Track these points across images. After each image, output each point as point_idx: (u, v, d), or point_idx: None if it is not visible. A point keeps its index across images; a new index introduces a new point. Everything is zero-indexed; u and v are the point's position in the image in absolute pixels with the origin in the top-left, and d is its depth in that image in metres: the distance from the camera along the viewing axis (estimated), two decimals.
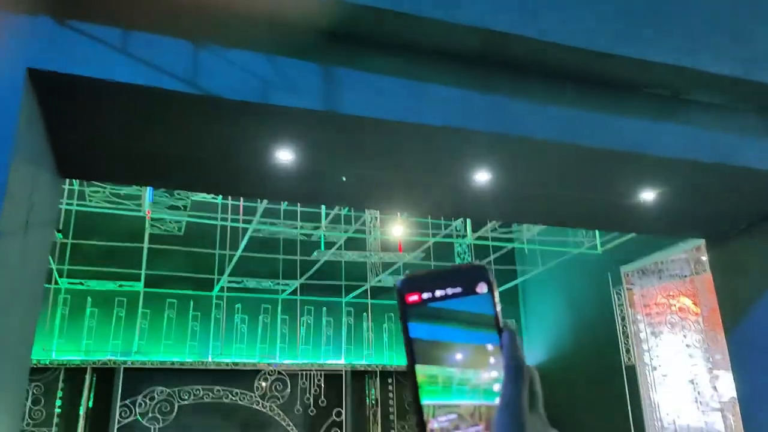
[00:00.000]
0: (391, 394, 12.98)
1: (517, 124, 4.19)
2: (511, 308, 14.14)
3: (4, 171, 2.99)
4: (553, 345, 13.01)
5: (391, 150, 4.28)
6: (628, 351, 10.93)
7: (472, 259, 12.81)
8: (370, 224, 11.22)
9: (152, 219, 8.95)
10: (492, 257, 12.35)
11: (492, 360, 0.67)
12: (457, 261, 13.52)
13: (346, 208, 11.41)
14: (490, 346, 0.67)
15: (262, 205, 8.68)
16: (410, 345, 0.67)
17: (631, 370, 10.77)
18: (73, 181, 9.22)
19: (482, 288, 0.69)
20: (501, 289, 13.15)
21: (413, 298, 0.68)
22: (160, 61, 3.48)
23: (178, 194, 8.31)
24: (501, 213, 5.46)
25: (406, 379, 0.69)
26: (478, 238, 12.34)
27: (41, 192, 3.76)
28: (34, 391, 10.86)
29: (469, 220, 9.27)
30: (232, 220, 10.86)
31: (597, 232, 10.26)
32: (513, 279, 13.40)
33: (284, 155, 4.17)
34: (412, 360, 0.67)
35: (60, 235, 9.38)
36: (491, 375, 0.66)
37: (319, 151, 4.20)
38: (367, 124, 3.88)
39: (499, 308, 0.70)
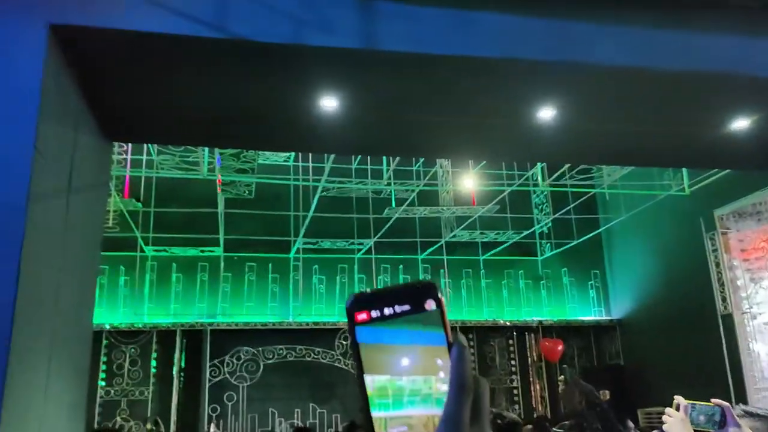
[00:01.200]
0: (472, 350, 12.73)
1: (582, 49, 3.70)
2: (594, 259, 13.45)
3: (30, 131, 2.87)
4: (641, 295, 12.28)
5: (441, 90, 3.90)
6: (724, 299, 10.11)
7: (550, 209, 12.21)
8: (442, 178, 10.84)
9: (223, 183, 8.97)
10: (571, 205, 11.70)
11: (441, 374, 0.67)
12: (535, 212, 12.94)
13: (418, 163, 11.08)
14: (439, 361, 0.67)
15: (329, 163, 8.50)
16: (359, 357, 0.67)
17: (728, 319, 9.97)
18: (146, 147, 9.37)
19: (431, 305, 0.68)
20: (583, 238, 12.52)
21: (362, 316, 0.68)
22: (187, 8, 3.25)
23: (244, 157, 8.25)
24: (570, 154, 4.97)
25: (357, 389, 0.68)
26: (555, 185, 11.70)
27: (85, 154, 3.67)
28: (131, 353, 11.38)
29: (544, 166, 8.71)
30: (301, 181, 10.79)
31: (684, 172, 9.43)
32: (595, 228, 12.68)
33: (328, 102, 3.88)
34: (361, 371, 0.67)
35: (140, 205, 9.61)
36: (438, 388, 0.67)
37: (363, 95, 3.88)
38: (410, 61, 3.52)
39: (448, 324, 0.68)
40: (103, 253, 11.58)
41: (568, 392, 11.57)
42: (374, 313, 0.68)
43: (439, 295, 0.68)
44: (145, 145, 10.07)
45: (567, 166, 10.61)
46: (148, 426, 11.14)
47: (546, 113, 4.20)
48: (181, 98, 3.84)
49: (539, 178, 8.54)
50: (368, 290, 0.70)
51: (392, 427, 0.66)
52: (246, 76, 3.71)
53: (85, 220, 3.73)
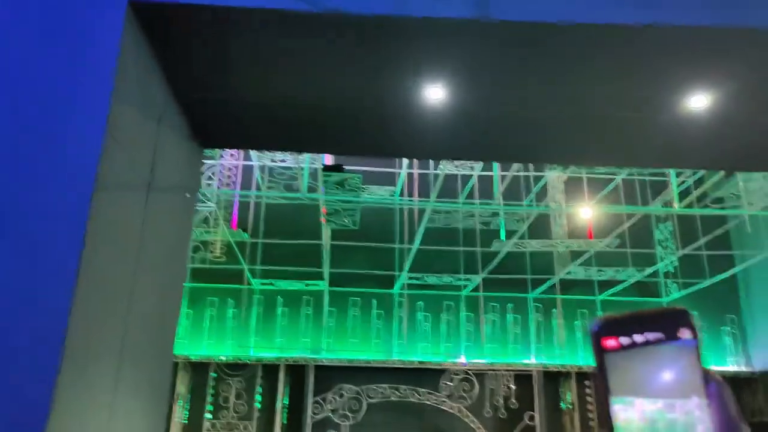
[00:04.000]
0: (589, 398, 11.42)
1: (754, 12, 2.90)
2: (729, 301, 11.79)
3: (102, 111, 2.49)
4: None
5: (570, 71, 3.21)
6: None
7: (676, 244, 10.86)
8: (554, 208, 9.92)
9: (327, 214, 8.62)
10: (702, 240, 10.32)
11: (698, 414, 0.59)
12: (658, 249, 11.60)
13: (527, 199, 10.24)
14: (695, 398, 0.59)
15: (436, 188, 7.92)
16: (608, 395, 0.61)
17: None
18: (255, 181, 9.23)
19: (685, 333, 0.62)
20: (717, 278, 11.01)
21: (611, 342, 0.62)
22: None
23: (349, 185, 7.85)
24: (727, 158, 4.05)
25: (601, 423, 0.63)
26: (683, 216, 10.43)
27: (171, 153, 3.30)
28: (237, 386, 11.14)
29: (674, 188, 7.59)
30: (406, 209, 10.27)
31: None
32: (730, 266, 11.12)
33: (433, 93, 3.30)
34: (609, 412, 0.61)
35: (247, 235, 9.45)
36: (696, 430, 0.59)
37: (475, 81, 3.26)
38: (532, 34, 2.88)
39: (703, 356, 0.60)
40: (211, 285, 11.63)
41: None
42: (624, 340, 0.62)
43: (695, 322, 0.62)
44: (253, 177, 10.01)
45: (695, 196, 9.38)
46: None
47: (698, 101, 3.38)
48: (271, 88, 3.41)
49: (674, 199, 7.42)
50: (615, 315, 0.64)
51: None
52: (342, 64, 3.22)
53: (168, 224, 3.34)
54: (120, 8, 2.66)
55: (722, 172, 10.59)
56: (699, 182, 9.53)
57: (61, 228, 2.35)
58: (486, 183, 10.02)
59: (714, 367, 11.37)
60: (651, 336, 0.61)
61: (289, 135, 3.75)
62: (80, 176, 2.41)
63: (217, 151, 9.20)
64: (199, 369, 11.07)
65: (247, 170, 10.10)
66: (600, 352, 0.62)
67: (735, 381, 11.35)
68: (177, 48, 2.99)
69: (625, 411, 0.59)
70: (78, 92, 2.54)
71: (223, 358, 10.94)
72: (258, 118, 3.62)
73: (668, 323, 0.62)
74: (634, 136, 3.83)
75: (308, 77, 3.29)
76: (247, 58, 3.14)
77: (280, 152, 6.23)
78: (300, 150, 5.47)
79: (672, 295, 11.63)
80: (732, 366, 11.52)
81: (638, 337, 0.61)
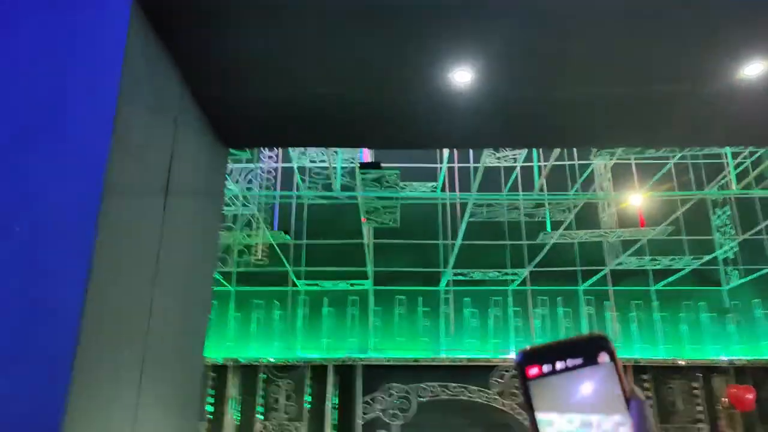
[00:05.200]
0: (648, 392, 10.89)
1: None
2: None
3: (108, 114, 2.35)
4: None
5: (612, 49, 2.91)
6: None
7: (737, 229, 10.23)
8: (602, 196, 9.47)
9: (366, 212, 8.43)
10: (763, 224, 9.66)
11: (621, 430, 0.62)
12: (716, 235, 10.96)
13: (573, 189, 9.82)
14: (617, 416, 0.62)
15: (477, 180, 7.63)
16: (532, 413, 0.64)
17: None
18: (295, 183, 9.12)
19: (604, 358, 0.65)
20: None
21: (533, 371, 0.65)
22: None
23: (387, 182, 7.64)
24: None
25: None
26: (742, 199, 9.80)
27: (191, 154, 3.16)
28: (286, 387, 11.09)
29: (731, 168, 7.06)
30: (449, 204, 9.99)
31: None
32: None
33: (460, 77, 3.05)
34: (535, 428, 0.64)
35: (289, 237, 9.37)
36: None
37: (503, 63, 3.00)
38: (564, 7, 2.60)
39: (623, 377, 0.64)
40: (257, 288, 11.63)
41: None
42: (545, 368, 0.65)
43: (612, 347, 0.65)
44: (294, 181, 9.92)
45: (753, 176, 8.78)
46: None
47: (755, 68, 3.03)
48: (289, 85, 3.22)
49: (732, 180, 6.90)
50: (537, 345, 0.66)
51: None
52: (365, 51, 3.01)
53: (192, 227, 3.19)
54: (125, 2, 2.52)
55: None
56: (757, 163, 8.92)
57: (69, 233, 2.22)
58: (530, 174, 9.65)
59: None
60: (570, 362, 0.63)
61: (315, 130, 3.56)
62: (87, 181, 2.27)
63: (255, 153, 9.14)
64: (248, 371, 11.07)
65: (287, 173, 10.03)
66: (524, 380, 0.64)
67: None
68: (190, 42, 2.84)
69: (553, 426, 0.61)
70: (82, 93, 2.41)
71: (272, 360, 10.91)
72: (281, 114, 3.44)
73: (587, 350, 0.64)
74: (684, 112, 3.48)
75: (330, 67, 3.10)
76: (265, 50, 2.97)
77: (306, 148, 6.02)
78: (327, 145, 5.27)
79: (732, 282, 10.99)
80: None
81: (559, 364, 0.63)
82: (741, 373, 10.61)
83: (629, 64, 2.98)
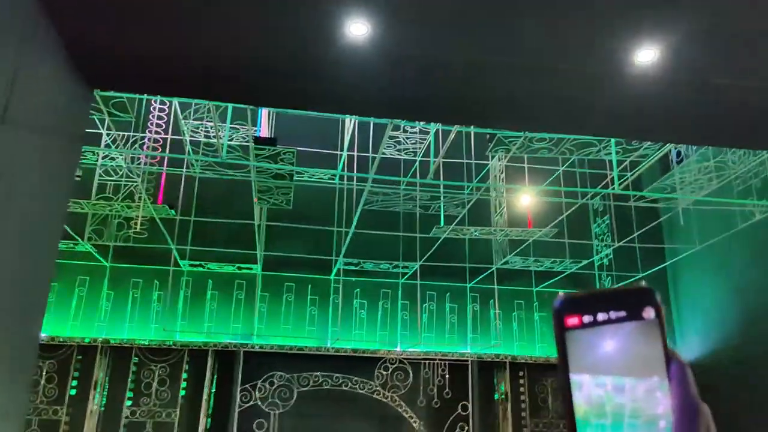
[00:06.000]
0: (522, 389, 11.24)
1: None
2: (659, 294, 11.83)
3: None
4: (715, 337, 10.60)
5: (505, 15, 2.80)
6: None
7: (613, 236, 10.80)
8: (494, 196, 9.66)
9: (259, 191, 8.04)
10: (636, 233, 10.28)
11: (659, 394, 0.59)
12: (595, 243, 11.54)
13: (468, 188, 9.92)
14: (656, 378, 0.59)
15: (374, 167, 7.48)
16: (568, 372, 0.61)
17: None
18: (191, 159, 8.54)
19: (649, 313, 0.61)
20: (648, 272, 11.03)
21: (573, 320, 0.61)
22: None
23: (282, 159, 7.31)
24: (666, 128, 3.74)
25: (563, 409, 0.60)
26: (618, 207, 10.37)
27: (40, 88, 2.72)
28: (160, 372, 10.39)
29: (614, 165, 7.36)
30: (345, 192, 9.79)
31: None
32: (660, 260, 11.16)
33: (357, 29, 2.83)
34: (569, 392, 0.60)
35: (173, 212, 8.76)
36: (656, 410, 0.59)
37: (404, 18, 2.81)
38: None
39: (666, 336, 0.60)
40: (136, 266, 10.84)
41: None
42: (586, 318, 0.61)
43: (659, 302, 0.61)
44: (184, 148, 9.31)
45: (631, 178, 9.28)
46: None
47: (646, 54, 3.04)
48: (168, 27, 2.86)
49: (614, 179, 7.19)
50: (577, 292, 0.62)
51: None
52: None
53: (33, 170, 2.74)
54: None
55: (657, 165, 10.59)
56: (636, 177, 9.44)
57: None
58: (428, 168, 9.65)
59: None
60: (614, 315, 0.59)
61: (190, 80, 3.21)
62: None
63: (141, 120, 8.48)
64: (120, 353, 10.29)
65: (177, 145, 9.40)
66: (561, 329, 0.60)
67: None
68: None
69: (584, 387, 0.58)
70: None
71: (146, 343, 10.20)
72: (153, 59, 3.06)
73: (632, 302, 0.60)
74: (579, 95, 3.47)
75: (210, 14, 2.77)
76: None
77: (178, 98, 5.55)
78: (204, 97, 4.84)
79: (605, 287, 11.58)
80: None
81: (601, 316, 0.59)
82: None
83: (526, 34, 2.90)
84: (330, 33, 2.86)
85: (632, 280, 10.96)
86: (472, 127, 8.11)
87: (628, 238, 10.42)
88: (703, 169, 8.20)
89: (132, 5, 2.83)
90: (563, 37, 3.02)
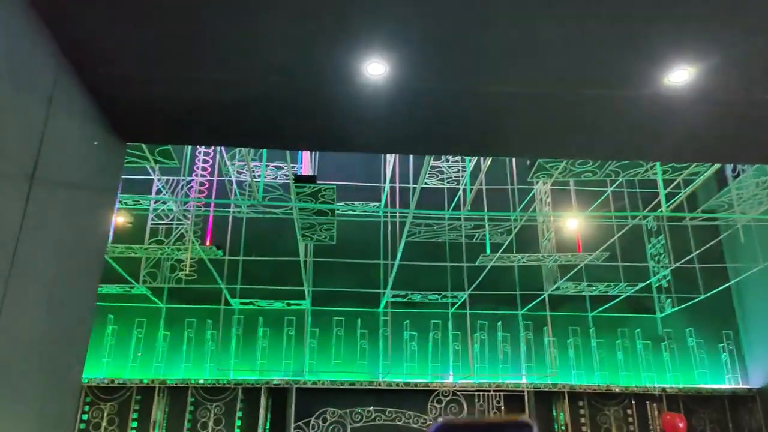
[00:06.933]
0: (583, 419, 10.75)
1: None
2: (725, 316, 11.17)
3: None
4: None
5: (530, 40, 2.68)
6: None
7: (670, 258, 10.28)
8: (541, 221, 9.38)
9: (302, 228, 8.06)
10: (694, 253, 9.74)
11: None
12: (650, 263, 11.01)
13: (516, 212, 9.68)
14: None
15: (414, 199, 7.39)
16: None
17: None
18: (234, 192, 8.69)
19: None
20: (710, 293, 10.41)
21: None
22: None
23: (322, 196, 7.31)
24: (715, 147, 3.50)
25: None
26: (674, 227, 9.89)
27: (76, 146, 2.76)
28: (215, 411, 10.45)
29: (661, 188, 7.01)
30: (389, 224, 9.70)
31: None
32: (724, 280, 10.54)
33: (374, 69, 2.77)
34: None
35: (221, 252, 8.88)
36: None
37: (419, 55, 2.73)
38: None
39: None
40: (190, 306, 11.02)
41: None
42: None
43: None
44: (231, 195, 9.48)
45: (683, 196, 8.82)
46: None
47: (680, 75, 2.86)
48: (188, 74, 2.87)
49: (662, 202, 6.85)
50: (458, 420, 0.60)
51: None
52: (267, 37, 2.69)
53: (69, 225, 2.78)
54: None
55: (712, 180, 10.07)
56: (688, 183, 8.99)
57: None
58: (475, 197, 9.49)
59: (713, 386, 10.71)
60: None
61: (218, 126, 3.22)
62: None
63: (187, 164, 8.69)
64: (176, 393, 10.41)
65: (222, 188, 9.60)
66: None
67: (732, 399, 10.71)
68: (67, 9, 2.47)
69: None
70: None
71: (201, 382, 10.29)
72: (181, 108, 3.08)
73: None
74: (608, 120, 3.29)
75: (234, 57, 2.77)
76: (157, 35, 2.62)
77: (210, 146, 5.61)
78: (237, 144, 4.89)
79: (666, 310, 11.03)
80: (729, 383, 10.88)
81: None
82: (672, 400, 10.59)
83: (550, 63, 2.77)
84: (350, 73, 2.81)
85: (693, 302, 10.38)
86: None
87: (686, 258, 9.89)
88: (761, 183, 7.73)
89: (157, 60, 2.86)
90: (588, 63, 2.87)
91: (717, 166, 6.49)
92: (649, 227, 11.07)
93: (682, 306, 10.66)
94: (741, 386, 10.76)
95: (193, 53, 2.80)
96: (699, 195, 10.66)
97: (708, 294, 10.12)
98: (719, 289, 10.12)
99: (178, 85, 3.02)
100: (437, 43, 2.68)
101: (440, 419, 0.57)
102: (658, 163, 6.08)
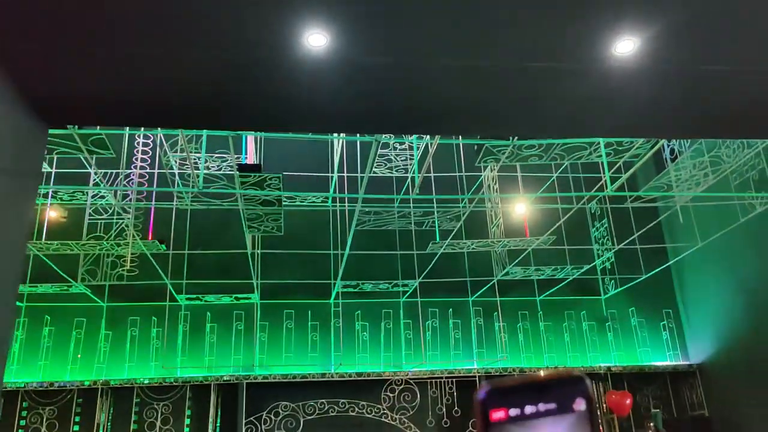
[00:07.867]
0: None
1: None
2: (665, 296, 11.51)
3: None
4: (724, 336, 10.24)
5: (476, 13, 2.57)
6: None
7: (612, 240, 10.51)
8: (489, 207, 9.40)
9: (248, 219, 7.80)
10: (635, 234, 9.98)
11: None
12: (595, 246, 11.23)
13: (463, 201, 9.67)
14: None
15: (361, 191, 7.25)
16: None
17: None
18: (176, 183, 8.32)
19: (580, 405, 0.55)
20: (650, 273, 10.70)
21: (498, 414, 0.55)
22: None
23: (268, 185, 7.08)
24: (651, 123, 3.49)
25: None
26: (616, 210, 10.12)
27: None
28: (163, 410, 10.08)
29: (605, 169, 7.10)
30: (338, 214, 9.54)
31: None
32: (663, 261, 10.84)
33: (315, 40, 2.61)
34: None
35: (163, 247, 8.52)
36: None
37: (361, 26, 2.59)
38: None
39: (598, 428, 0.56)
40: (133, 303, 10.57)
41: None
42: (513, 411, 0.55)
43: (591, 393, 0.57)
44: (171, 184, 9.10)
45: (625, 178, 9.01)
46: None
47: (624, 46, 2.81)
48: (114, 52, 2.64)
49: (606, 183, 6.93)
50: (505, 381, 0.56)
51: None
52: (199, 7, 2.49)
53: None
54: None
55: (651, 164, 10.33)
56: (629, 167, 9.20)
57: None
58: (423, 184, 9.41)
59: (655, 363, 11.04)
60: (543, 407, 0.53)
61: (149, 106, 2.98)
62: None
63: (123, 156, 8.28)
64: (121, 394, 9.98)
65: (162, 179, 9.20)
66: (485, 424, 0.54)
67: (674, 375, 11.06)
68: None
69: None
70: None
71: (147, 381, 9.89)
72: (107, 88, 2.83)
73: (563, 393, 0.55)
74: (553, 93, 3.23)
75: (162, 32, 2.55)
76: (79, 9, 2.37)
77: (140, 126, 5.33)
78: (169, 126, 4.62)
79: (610, 291, 11.29)
80: (671, 360, 11.23)
81: (529, 408, 0.54)
82: (617, 379, 10.85)
83: (496, 36, 2.67)
84: (290, 46, 2.63)
85: (635, 282, 10.65)
86: (453, 138, 7.90)
87: (628, 240, 10.13)
88: (698, 164, 7.95)
89: (80, 40, 2.61)
90: (534, 35, 2.78)
91: (657, 147, 6.61)
92: (593, 211, 11.29)
93: (625, 287, 10.92)
94: (681, 363, 11.11)
95: (117, 28, 2.57)
96: (639, 179, 10.93)
97: (649, 274, 10.40)
98: (659, 269, 10.41)
99: (102, 62, 2.78)
100: (380, 15, 2.54)
101: (485, 383, 0.53)
102: (602, 145, 6.14)
